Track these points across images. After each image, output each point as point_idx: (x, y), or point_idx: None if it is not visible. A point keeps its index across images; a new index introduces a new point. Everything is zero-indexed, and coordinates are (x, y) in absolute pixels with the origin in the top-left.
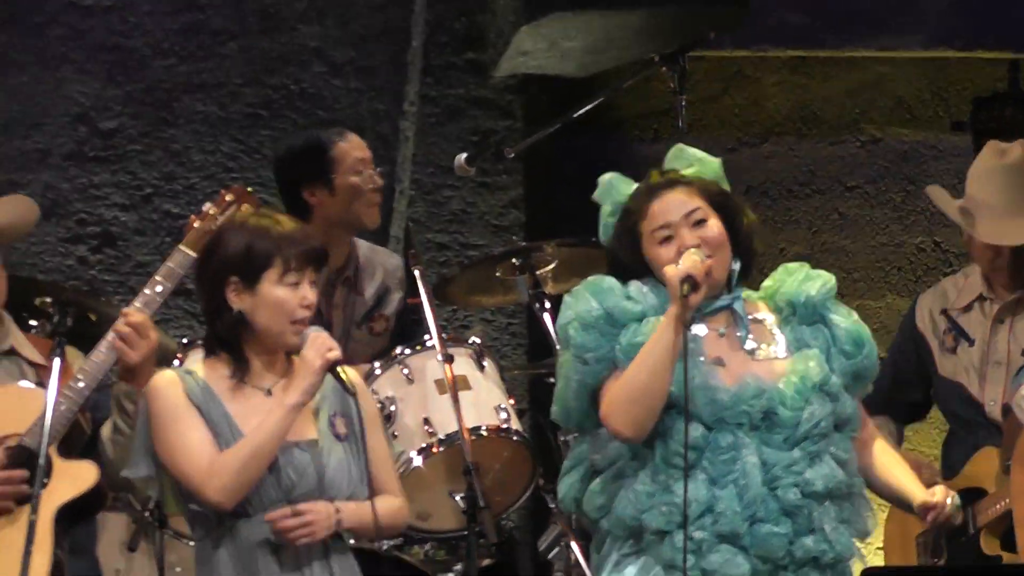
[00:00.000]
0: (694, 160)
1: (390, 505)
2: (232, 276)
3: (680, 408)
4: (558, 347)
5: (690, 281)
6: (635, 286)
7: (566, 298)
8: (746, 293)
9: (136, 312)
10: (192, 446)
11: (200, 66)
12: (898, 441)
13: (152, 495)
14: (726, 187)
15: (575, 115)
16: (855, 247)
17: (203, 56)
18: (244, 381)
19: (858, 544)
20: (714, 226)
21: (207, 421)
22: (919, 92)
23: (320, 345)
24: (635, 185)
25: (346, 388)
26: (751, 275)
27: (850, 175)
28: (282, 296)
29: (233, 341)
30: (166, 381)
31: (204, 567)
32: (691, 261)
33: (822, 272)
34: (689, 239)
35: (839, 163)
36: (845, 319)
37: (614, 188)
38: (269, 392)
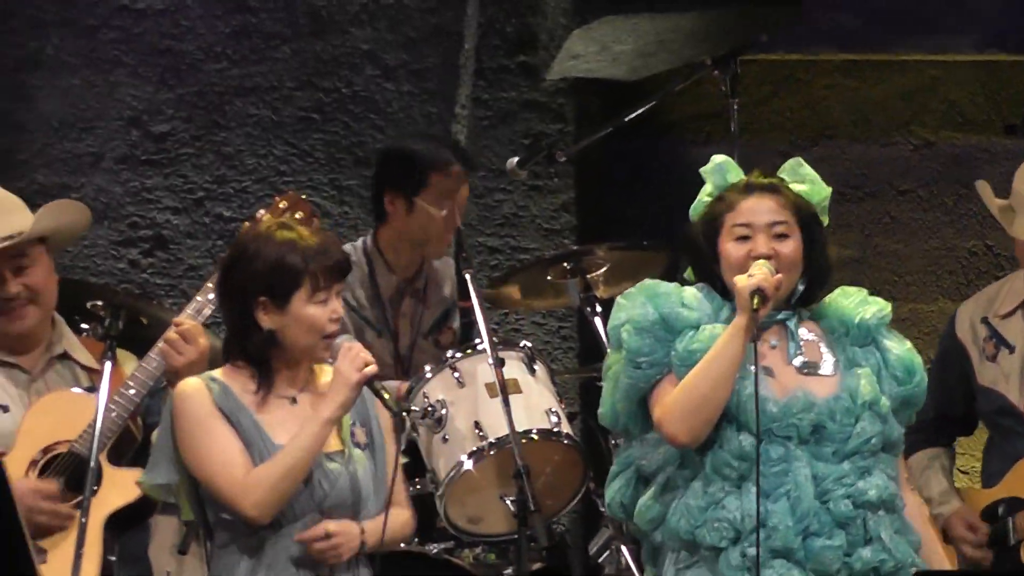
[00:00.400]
0: (807, 179)
1: (402, 519)
2: (261, 296)
3: (731, 417)
4: (609, 350)
5: (760, 294)
6: (690, 293)
7: (619, 300)
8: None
9: (186, 319)
10: (225, 457)
11: (252, 69)
12: (950, 471)
13: (167, 500)
14: (825, 217)
15: (626, 118)
16: (907, 251)
17: (255, 59)
18: (274, 394)
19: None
20: (792, 244)
21: (237, 430)
22: (972, 95)
23: (355, 359)
24: (741, 175)
25: (388, 407)
26: (812, 301)
27: (902, 179)
28: (313, 314)
29: (262, 357)
30: (193, 388)
31: (224, 574)
32: (763, 273)
33: (878, 299)
34: (763, 247)
35: (891, 166)
36: (898, 345)
37: (723, 171)
38: (294, 400)
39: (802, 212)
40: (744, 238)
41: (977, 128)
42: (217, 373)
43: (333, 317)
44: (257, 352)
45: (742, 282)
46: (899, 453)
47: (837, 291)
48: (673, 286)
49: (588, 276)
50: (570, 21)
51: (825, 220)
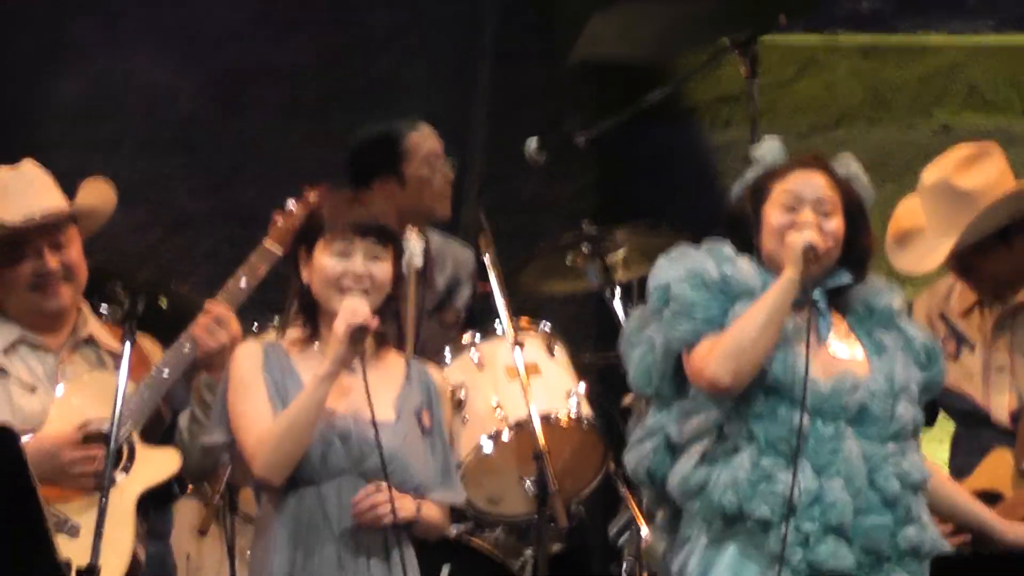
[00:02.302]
0: (855, 176)
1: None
2: (301, 248)
3: (783, 394)
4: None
5: (813, 250)
6: (744, 263)
7: (661, 260)
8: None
9: (218, 303)
10: (250, 418)
11: (271, 54)
12: None
13: (224, 461)
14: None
15: (647, 102)
16: None
17: (274, 44)
18: (320, 352)
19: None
20: (837, 225)
21: (279, 392)
22: (992, 78)
23: (347, 311)
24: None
25: (359, 355)
26: (845, 290)
27: (923, 162)
28: (326, 264)
29: (308, 312)
30: (248, 351)
31: (262, 534)
32: (812, 234)
33: (893, 284)
34: (809, 217)
35: (911, 149)
36: (920, 332)
37: (776, 151)
38: (352, 369)
39: (851, 197)
40: (790, 208)
41: (997, 111)
42: (284, 338)
43: (351, 272)
44: (304, 307)
45: (794, 237)
46: (919, 435)
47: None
48: (727, 252)
49: (607, 259)
50: (590, 5)
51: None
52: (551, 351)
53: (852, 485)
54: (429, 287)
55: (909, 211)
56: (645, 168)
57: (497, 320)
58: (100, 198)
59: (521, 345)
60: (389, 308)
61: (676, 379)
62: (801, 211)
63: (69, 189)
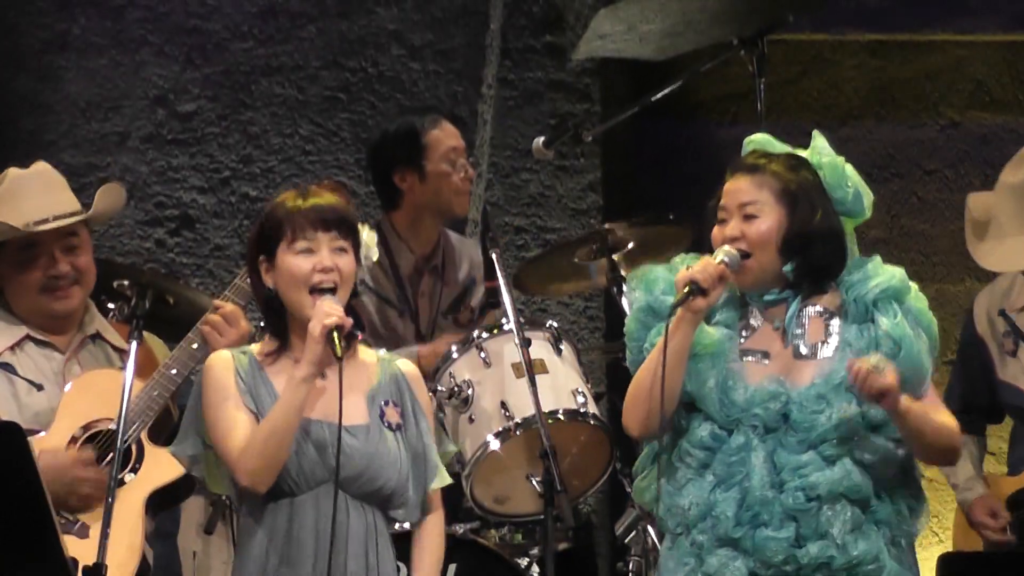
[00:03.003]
0: (823, 155)
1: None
2: (260, 255)
3: (698, 408)
4: None
5: (693, 287)
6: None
7: (631, 280)
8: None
9: (227, 301)
10: (229, 427)
11: (278, 49)
12: (979, 459)
13: (197, 474)
14: (850, 190)
15: (653, 98)
16: (934, 231)
17: (281, 39)
18: (290, 359)
19: (920, 549)
20: (761, 226)
21: (255, 402)
22: (998, 75)
23: (320, 312)
24: (780, 147)
25: (335, 354)
26: (825, 277)
27: (929, 159)
28: (292, 263)
29: (275, 320)
30: (220, 361)
31: (243, 543)
32: (703, 265)
33: (887, 269)
34: (731, 229)
35: (918, 147)
36: (888, 321)
37: (736, 161)
38: (323, 375)
39: (786, 189)
40: (722, 221)
41: (1004, 108)
42: (253, 346)
43: (320, 268)
44: (269, 316)
45: (680, 274)
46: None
47: (853, 261)
48: (666, 270)
49: (614, 255)
50: (596, 1)
51: (860, 195)
52: (558, 349)
53: (751, 497)
54: (446, 286)
55: (982, 206)
56: (652, 164)
57: (504, 317)
58: (114, 204)
59: (528, 342)
60: (347, 308)
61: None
62: (729, 222)
63: (75, 184)
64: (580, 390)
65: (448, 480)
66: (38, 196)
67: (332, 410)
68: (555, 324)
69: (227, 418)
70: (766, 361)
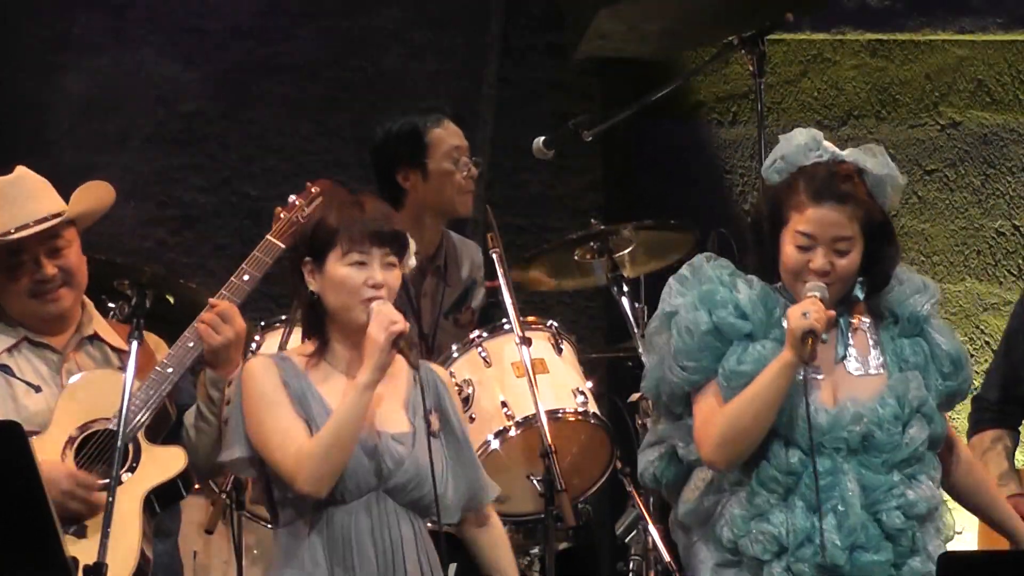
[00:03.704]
0: (884, 168)
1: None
2: (306, 257)
3: (779, 433)
4: (636, 330)
5: (812, 335)
6: (745, 297)
7: (672, 282)
8: None
9: (222, 299)
10: (283, 433)
11: (279, 48)
12: (1012, 453)
13: (248, 476)
14: (896, 200)
15: (653, 98)
16: (934, 231)
17: (282, 38)
18: (331, 364)
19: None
20: (852, 260)
21: (302, 407)
22: (999, 75)
23: (383, 319)
24: (819, 152)
25: (409, 362)
26: (871, 296)
27: (929, 158)
28: (344, 274)
29: (316, 323)
30: (262, 366)
31: (293, 552)
32: (815, 310)
33: (929, 283)
34: (821, 261)
35: (918, 146)
36: (947, 339)
37: (801, 143)
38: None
39: (871, 220)
40: (806, 248)
41: (1004, 108)
42: (293, 352)
43: (371, 283)
44: (309, 316)
45: (796, 321)
46: (941, 445)
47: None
48: (727, 289)
49: (615, 255)
50: (597, 0)
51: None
52: (558, 348)
53: (847, 522)
54: (448, 287)
55: None
56: (652, 164)
57: (505, 317)
58: (93, 202)
59: (528, 342)
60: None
61: (682, 404)
62: (816, 250)
63: (76, 184)
64: (580, 389)
65: (498, 490)
66: (17, 203)
67: (379, 417)
68: (555, 323)
69: (281, 427)
70: (819, 376)
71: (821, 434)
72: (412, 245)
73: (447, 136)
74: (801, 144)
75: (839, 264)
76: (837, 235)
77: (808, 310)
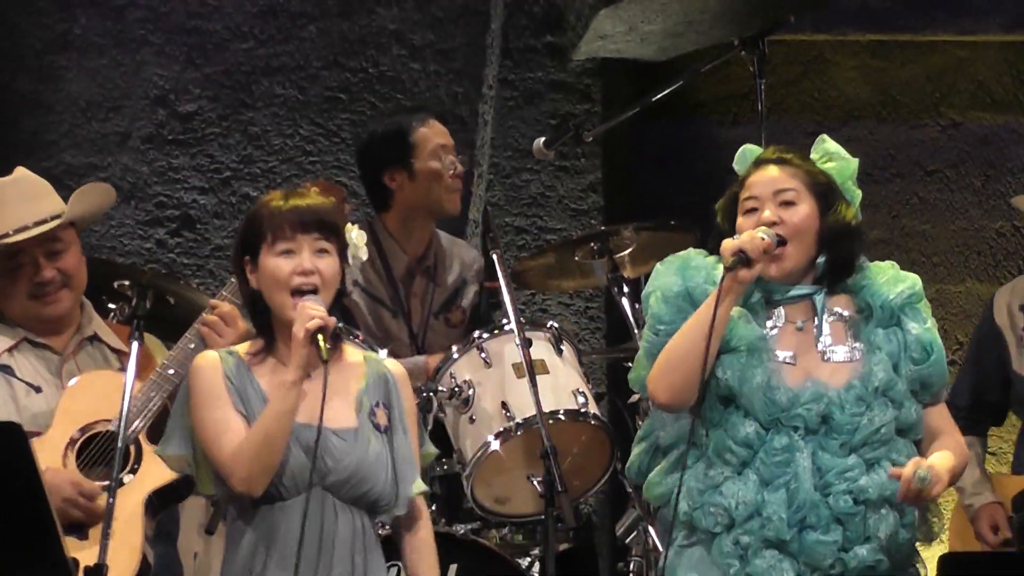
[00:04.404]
0: (834, 155)
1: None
2: (245, 255)
3: (737, 403)
4: (636, 330)
5: (741, 256)
6: (719, 271)
7: (657, 267)
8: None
9: (224, 301)
10: (220, 430)
11: (279, 49)
12: (983, 460)
13: (186, 473)
14: (854, 190)
15: (654, 99)
16: (935, 231)
17: (282, 39)
18: (276, 359)
19: (921, 549)
20: (800, 212)
21: (244, 403)
22: (999, 76)
23: (303, 315)
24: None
25: (321, 357)
26: (845, 274)
27: (930, 159)
28: (273, 265)
29: (260, 320)
30: (207, 361)
31: (235, 549)
32: (749, 236)
33: (908, 275)
34: (768, 216)
35: (919, 147)
36: (918, 325)
37: (746, 158)
38: (308, 376)
39: (815, 181)
40: (752, 210)
41: (1005, 109)
42: (240, 347)
43: (299, 270)
44: (255, 315)
45: (727, 243)
46: (918, 433)
47: (871, 266)
48: (707, 261)
49: (615, 256)
50: (598, 1)
51: (856, 195)
52: (559, 349)
53: (797, 499)
54: (438, 286)
55: None
56: (652, 165)
57: (505, 318)
58: (92, 204)
59: (529, 343)
60: (337, 305)
61: None
62: (763, 210)
63: (76, 184)
64: (581, 390)
65: (424, 487)
66: (17, 204)
67: (319, 413)
68: (556, 324)
69: (217, 422)
70: (793, 362)
71: (780, 410)
72: (362, 237)
73: (432, 135)
74: (743, 155)
75: (787, 215)
76: (778, 188)
77: (743, 235)
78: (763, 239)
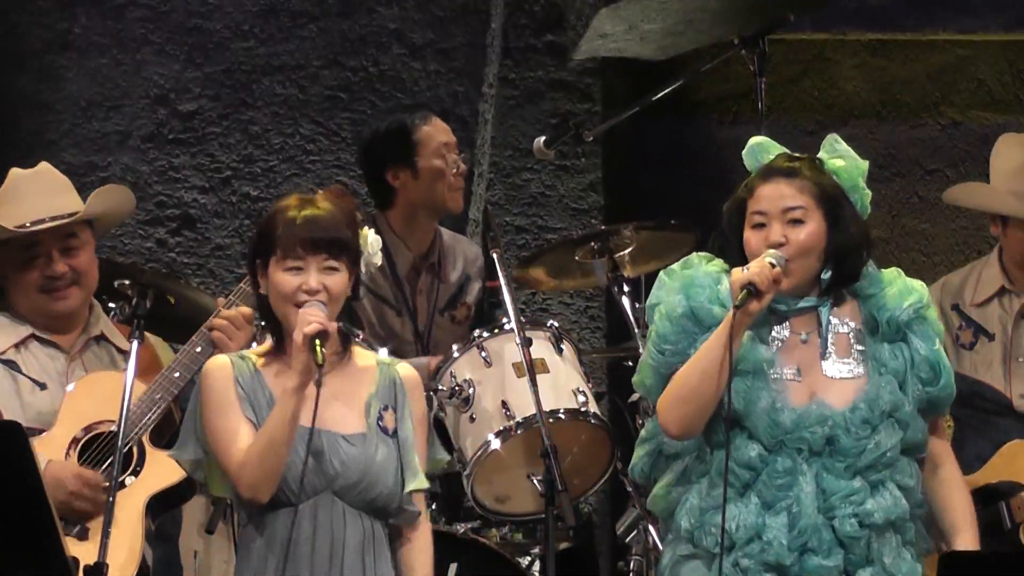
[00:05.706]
0: (844, 155)
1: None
2: (256, 259)
3: (742, 426)
4: (636, 330)
5: (751, 288)
6: (726, 287)
7: (661, 275)
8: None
9: (231, 304)
10: (230, 437)
11: (279, 48)
12: None
13: (198, 478)
14: (863, 191)
15: (654, 98)
16: (935, 230)
17: (282, 38)
18: (285, 363)
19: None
20: (807, 230)
21: (254, 409)
22: (1000, 75)
23: (302, 320)
24: (779, 150)
25: (316, 362)
26: (847, 282)
27: (930, 158)
28: (280, 280)
29: (270, 321)
30: (216, 366)
31: (244, 554)
32: (759, 267)
33: (915, 286)
34: (776, 234)
35: (919, 146)
36: (926, 345)
37: (755, 153)
38: (319, 382)
39: (825, 194)
40: (760, 225)
41: (1005, 108)
42: (252, 351)
43: (304, 288)
44: (266, 317)
45: (736, 275)
46: (922, 451)
47: (880, 274)
48: (711, 278)
49: (615, 256)
50: (597, 0)
51: (866, 195)
52: (559, 348)
53: (799, 523)
54: (442, 284)
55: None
56: (652, 164)
57: (505, 317)
58: (111, 205)
59: (529, 342)
60: (345, 311)
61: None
62: (771, 225)
63: (76, 184)
64: (581, 389)
65: (426, 484)
66: (37, 197)
67: (327, 418)
68: (556, 324)
69: (228, 429)
70: (799, 378)
71: (784, 432)
72: (378, 241)
73: (435, 133)
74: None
75: (793, 235)
76: (787, 206)
77: (752, 267)
78: (772, 266)
